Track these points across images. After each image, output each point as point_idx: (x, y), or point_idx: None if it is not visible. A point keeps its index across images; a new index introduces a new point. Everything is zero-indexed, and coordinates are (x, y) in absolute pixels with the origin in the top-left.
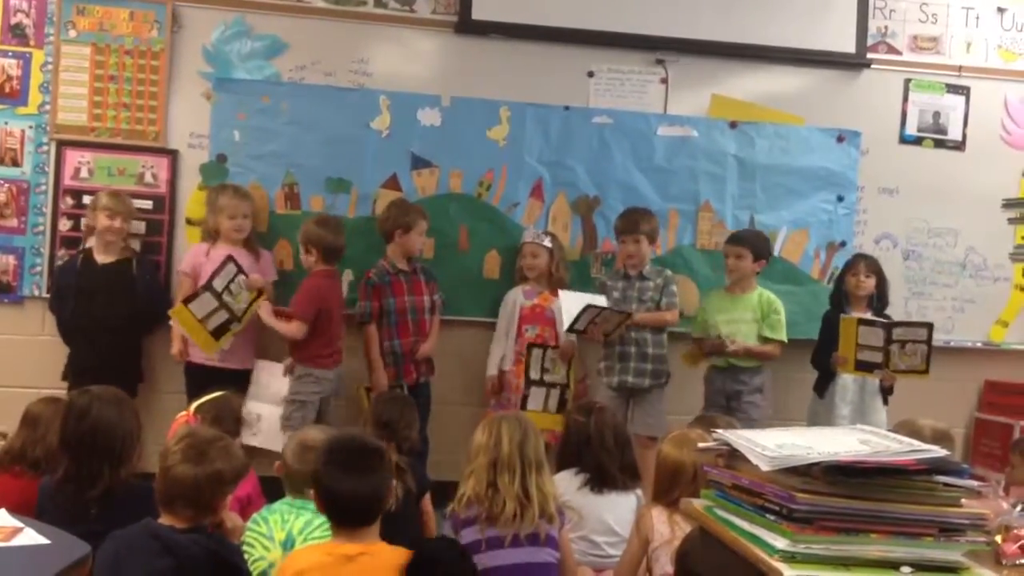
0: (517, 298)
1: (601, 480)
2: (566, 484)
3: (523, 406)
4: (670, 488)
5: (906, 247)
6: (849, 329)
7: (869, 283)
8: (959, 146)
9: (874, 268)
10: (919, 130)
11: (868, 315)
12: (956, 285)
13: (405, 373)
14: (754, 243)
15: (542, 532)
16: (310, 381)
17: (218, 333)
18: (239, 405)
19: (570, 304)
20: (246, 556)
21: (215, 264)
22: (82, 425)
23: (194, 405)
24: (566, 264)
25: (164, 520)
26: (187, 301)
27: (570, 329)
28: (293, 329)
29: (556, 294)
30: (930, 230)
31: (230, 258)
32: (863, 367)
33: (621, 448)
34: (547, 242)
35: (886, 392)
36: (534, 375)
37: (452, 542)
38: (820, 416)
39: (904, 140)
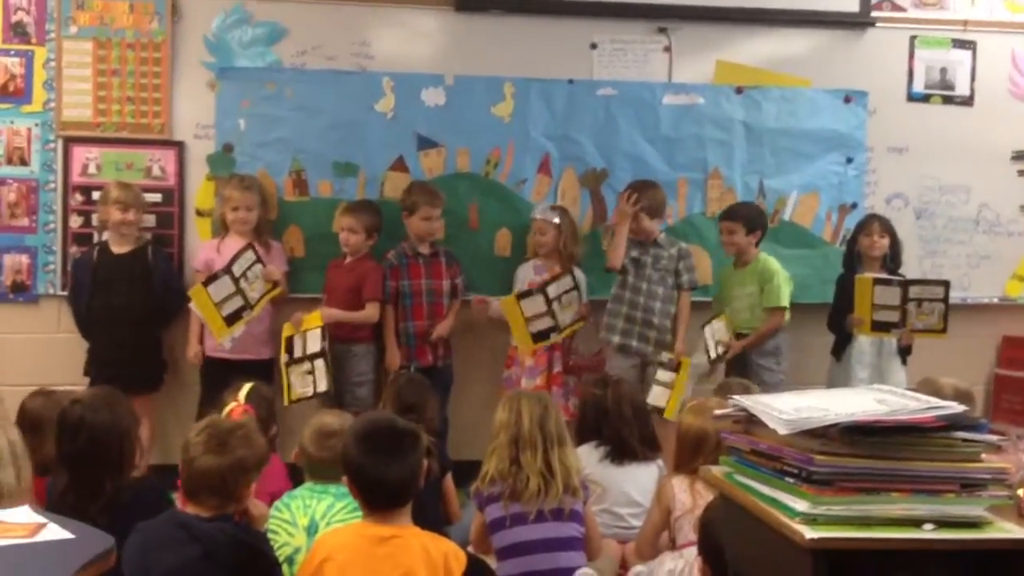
0: (528, 274)
1: (621, 452)
2: (587, 457)
3: (519, 296)
4: (693, 457)
5: (918, 206)
6: (864, 289)
7: (883, 243)
8: (967, 101)
9: (887, 228)
10: (926, 87)
11: (883, 275)
12: (970, 242)
13: (419, 355)
14: (745, 216)
15: (566, 507)
16: (372, 357)
17: (231, 320)
18: (270, 392)
19: None
20: (271, 543)
21: (227, 259)
22: (77, 441)
23: (243, 395)
24: (577, 239)
25: (189, 510)
26: (206, 283)
27: None
28: (371, 312)
29: (566, 269)
30: (941, 187)
31: (250, 245)
32: (880, 327)
33: (639, 419)
34: (555, 218)
35: (904, 352)
36: (552, 292)
37: None
38: (838, 380)
39: (912, 98)
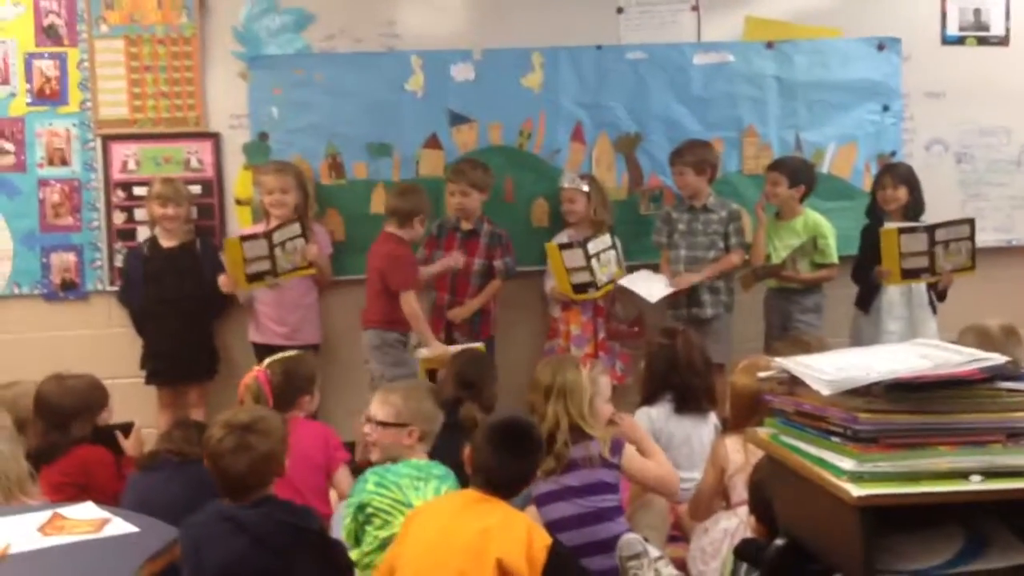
0: (561, 242)
1: (686, 403)
2: (651, 416)
3: (561, 247)
4: (748, 416)
5: (958, 150)
6: (891, 241)
7: (900, 194)
8: (1003, 41)
9: (903, 178)
10: (960, 29)
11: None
12: (1012, 183)
13: (434, 327)
14: (790, 169)
15: (593, 480)
16: None
17: (252, 278)
18: (312, 363)
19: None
20: (382, 521)
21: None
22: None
23: (266, 361)
24: (607, 205)
25: (229, 501)
26: (244, 238)
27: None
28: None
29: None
30: (981, 130)
31: (299, 218)
32: (910, 275)
33: (706, 369)
34: (583, 186)
35: (939, 296)
36: (591, 249)
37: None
38: (866, 332)
39: (946, 41)
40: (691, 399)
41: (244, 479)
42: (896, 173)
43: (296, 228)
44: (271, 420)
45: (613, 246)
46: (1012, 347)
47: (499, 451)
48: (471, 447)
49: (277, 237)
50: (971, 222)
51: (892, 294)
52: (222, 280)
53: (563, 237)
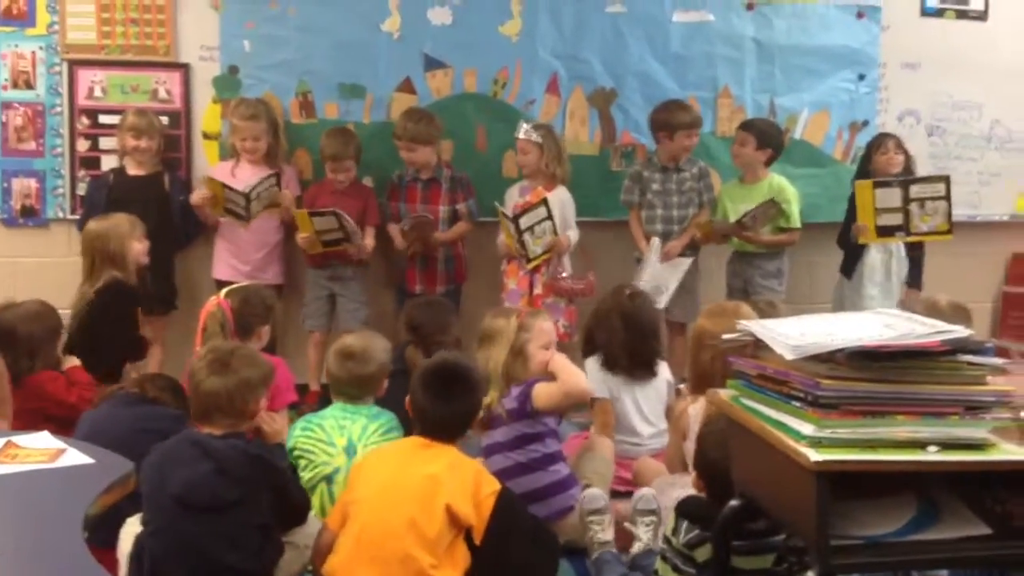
0: (513, 196)
1: (632, 363)
2: (594, 372)
3: (503, 215)
4: (711, 366)
5: (930, 122)
6: (865, 194)
7: (899, 159)
8: (981, 16)
9: (902, 145)
10: (941, 1)
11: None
12: (981, 159)
13: (408, 279)
14: (759, 130)
15: (517, 433)
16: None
17: (227, 212)
18: (270, 295)
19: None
20: (307, 462)
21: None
22: None
23: (224, 291)
24: (562, 158)
25: (203, 430)
26: (225, 186)
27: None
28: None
29: (549, 189)
30: (954, 104)
31: (275, 174)
32: (884, 232)
33: (653, 331)
34: (535, 137)
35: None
36: (523, 223)
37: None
38: (847, 299)
39: (925, 12)
40: (637, 360)
41: (215, 397)
42: (896, 139)
43: (272, 181)
44: (257, 355)
45: (549, 216)
46: (959, 324)
47: (429, 394)
48: (410, 392)
49: (254, 194)
50: (946, 179)
51: (874, 260)
52: (195, 195)
53: (515, 190)
